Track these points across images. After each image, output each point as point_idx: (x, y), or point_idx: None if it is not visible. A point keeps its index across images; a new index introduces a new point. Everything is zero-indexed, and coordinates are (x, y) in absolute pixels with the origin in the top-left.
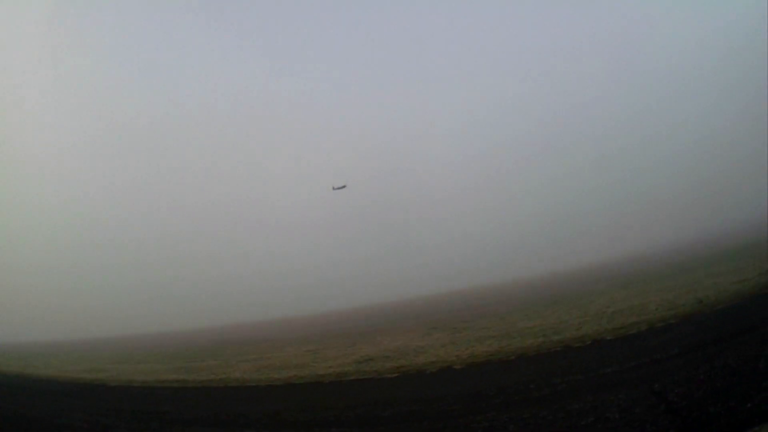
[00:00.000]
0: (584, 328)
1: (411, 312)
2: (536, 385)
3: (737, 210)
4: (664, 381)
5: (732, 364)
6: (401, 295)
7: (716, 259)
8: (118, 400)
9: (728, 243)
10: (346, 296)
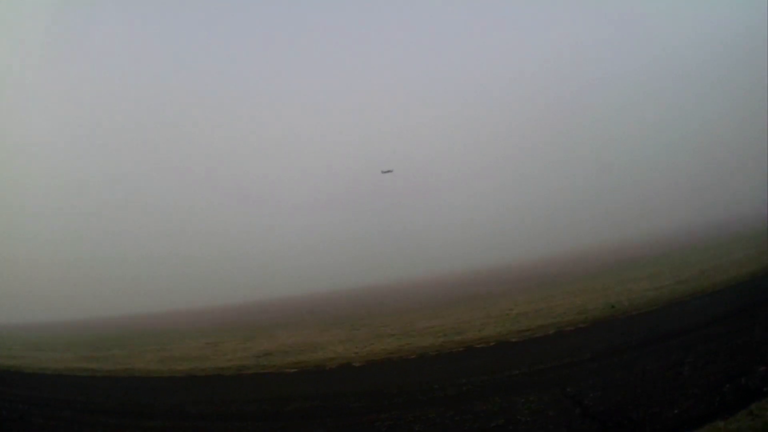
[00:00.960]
0: (487, 330)
1: (306, 307)
2: (440, 384)
3: (671, 215)
4: (577, 385)
5: (653, 371)
6: (296, 290)
7: (631, 265)
8: (33, 387)
9: (649, 249)
10: (242, 290)
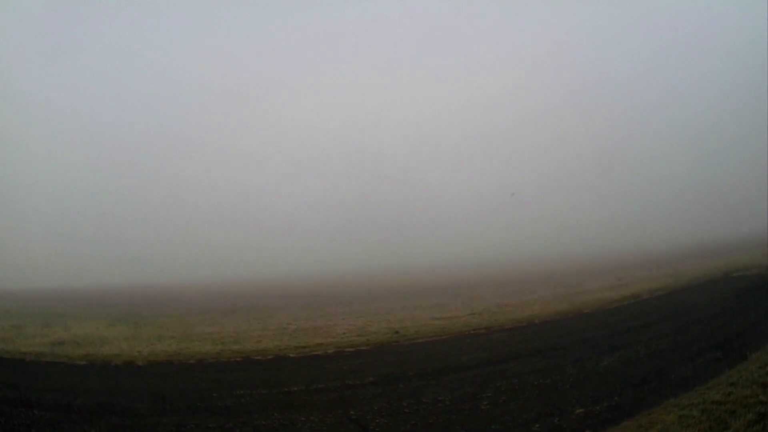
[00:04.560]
0: (265, 342)
1: (95, 300)
2: (219, 394)
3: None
4: (361, 409)
5: (446, 401)
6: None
7: (421, 294)
8: None
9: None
10: (41, 276)
